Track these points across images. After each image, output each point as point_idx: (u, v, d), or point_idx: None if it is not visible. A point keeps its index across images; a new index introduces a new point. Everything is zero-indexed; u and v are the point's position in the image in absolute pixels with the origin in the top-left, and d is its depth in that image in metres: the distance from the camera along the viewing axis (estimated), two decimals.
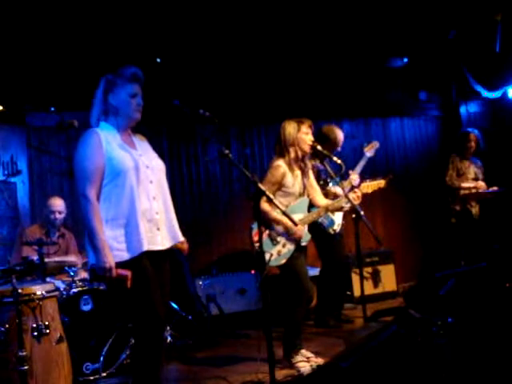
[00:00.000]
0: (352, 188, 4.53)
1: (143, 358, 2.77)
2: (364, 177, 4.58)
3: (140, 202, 2.77)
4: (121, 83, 2.87)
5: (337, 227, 4.10)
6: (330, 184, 4.87)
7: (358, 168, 4.80)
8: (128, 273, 2.69)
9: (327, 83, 6.37)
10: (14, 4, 4.50)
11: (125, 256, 2.74)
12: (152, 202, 2.84)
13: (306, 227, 4.01)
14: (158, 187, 2.89)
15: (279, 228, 3.90)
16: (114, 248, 2.73)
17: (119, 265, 2.71)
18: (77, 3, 4.62)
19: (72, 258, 4.83)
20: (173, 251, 3.00)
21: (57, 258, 4.73)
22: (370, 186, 4.33)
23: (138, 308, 2.77)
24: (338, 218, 4.16)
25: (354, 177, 4.68)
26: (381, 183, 4.37)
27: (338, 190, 4.63)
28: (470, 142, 5.88)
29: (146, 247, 2.75)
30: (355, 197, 4.08)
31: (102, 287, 4.27)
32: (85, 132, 2.88)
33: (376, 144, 5.02)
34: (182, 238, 2.99)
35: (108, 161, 2.77)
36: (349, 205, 4.24)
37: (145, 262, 2.76)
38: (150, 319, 2.75)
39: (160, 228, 2.86)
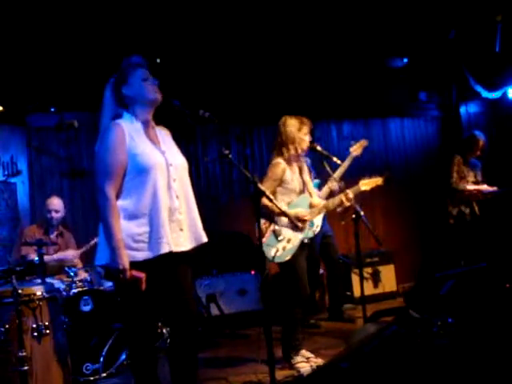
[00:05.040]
0: (331, 194, 4.53)
1: (137, 358, 2.76)
2: (363, 176, 4.54)
3: (163, 201, 2.68)
4: (130, 72, 2.78)
5: (316, 228, 4.10)
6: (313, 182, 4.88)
7: (342, 169, 4.70)
8: (142, 275, 2.61)
9: (327, 83, 6.37)
10: (14, 4, 4.49)
11: (139, 256, 2.65)
12: (175, 201, 2.75)
13: (308, 224, 4.02)
14: (180, 186, 2.80)
15: (284, 221, 3.91)
16: (130, 247, 2.64)
17: (133, 264, 2.62)
18: (77, 3, 4.62)
19: (69, 253, 4.83)
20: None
21: (55, 256, 4.74)
22: (368, 183, 4.32)
23: (137, 311, 2.73)
24: (317, 219, 4.17)
25: (333, 184, 4.64)
26: (378, 181, 4.35)
27: (316, 191, 4.68)
28: (478, 148, 5.81)
29: (165, 250, 2.65)
30: (346, 198, 4.09)
31: (101, 287, 4.28)
32: (108, 124, 2.76)
33: (365, 142, 4.87)
34: (205, 239, 2.87)
35: (131, 157, 2.68)
36: (339, 208, 4.26)
37: (160, 265, 2.67)
38: (145, 324, 2.73)
39: (183, 228, 2.77)
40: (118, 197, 2.68)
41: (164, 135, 2.91)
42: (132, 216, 2.67)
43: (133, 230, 2.66)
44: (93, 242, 4.75)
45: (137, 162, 2.68)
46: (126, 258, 2.61)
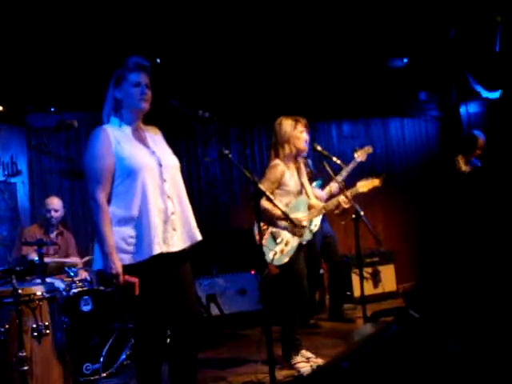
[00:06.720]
0: (332, 196, 4.54)
1: (142, 359, 2.77)
2: (362, 175, 4.56)
3: (154, 202, 2.68)
4: (124, 75, 2.76)
5: (314, 228, 4.11)
6: (313, 184, 4.89)
7: (344, 173, 4.73)
8: (135, 280, 2.62)
9: (327, 83, 6.37)
10: (14, 4, 4.49)
11: (133, 259, 2.66)
12: (167, 201, 2.74)
13: (307, 225, 4.02)
14: (172, 186, 2.79)
15: (282, 224, 3.91)
16: (123, 250, 2.65)
17: (127, 268, 2.63)
18: (77, 3, 4.62)
19: (72, 260, 4.84)
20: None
21: (56, 259, 4.74)
22: (366, 185, 4.33)
23: (141, 313, 2.74)
24: (315, 219, 4.19)
25: (334, 186, 4.68)
26: (375, 182, 4.36)
27: (318, 192, 4.69)
28: (478, 147, 5.81)
29: (157, 251, 2.65)
30: (345, 200, 4.09)
31: (101, 288, 4.28)
32: (93, 130, 2.76)
33: (369, 149, 4.93)
34: (199, 238, 2.87)
35: (118, 160, 2.68)
36: (337, 210, 4.27)
37: (155, 266, 2.67)
38: (151, 325, 2.74)
39: (176, 228, 2.76)
40: (108, 202, 2.69)
41: (154, 136, 2.90)
42: (124, 219, 2.67)
43: (125, 233, 2.67)
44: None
45: (124, 164, 2.68)
46: (118, 262, 2.62)
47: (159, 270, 2.71)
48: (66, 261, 4.76)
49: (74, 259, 4.87)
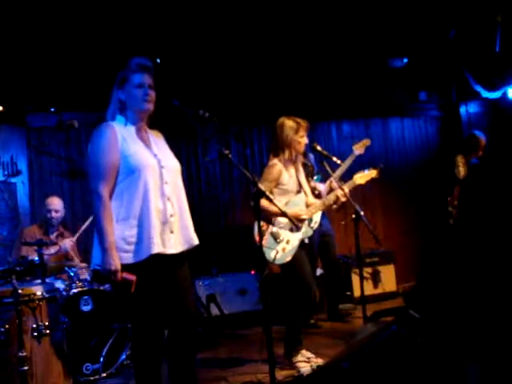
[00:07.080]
0: (331, 190, 4.55)
1: (139, 359, 2.76)
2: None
3: (154, 202, 2.69)
4: (128, 76, 2.78)
5: (314, 224, 4.12)
6: (314, 178, 4.90)
7: (344, 167, 4.76)
8: (133, 277, 2.62)
9: (327, 83, 6.38)
10: (14, 4, 4.50)
11: (132, 258, 2.66)
12: (166, 203, 2.74)
13: (307, 223, 4.02)
14: (173, 188, 2.80)
15: (282, 222, 3.90)
16: (122, 249, 2.65)
17: (125, 267, 2.63)
18: (77, 4, 4.62)
19: (66, 241, 4.81)
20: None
21: (53, 250, 4.72)
22: (363, 176, 4.33)
23: (138, 312, 2.74)
24: (315, 215, 4.20)
25: (334, 182, 4.70)
26: (372, 173, 4.36)
27: (319, 185, 4.70)
28: (480, 148, 5.79)
29: (155, 250, 2.65)
30: (342, 193, 4.09)
31: (101, 288, 4.28)
32: (100, 125, 2.76)
33: (367, 141, 4.98)
34: (196, 242, 2.87)
35: (123, 158, 2.69)
36: (335, 205, 4.28)
37: (153, 266, 2.68)
38: (148, 325, 2.73)
39: (174, 231, 2.77)
40: (110, 199, 2.69)
41: (156, 139, 2.91)
42: (124, 218, 2.68)
43: (125, 232, 2.67)
44: (86, 225, 4.73)
45: (128, 162, 2.69)
46: (117, 259, 2.62)
47: (157, 269, 2.71)
48: (61, 245, 4.73)
49: (67, 240, 4.83)
